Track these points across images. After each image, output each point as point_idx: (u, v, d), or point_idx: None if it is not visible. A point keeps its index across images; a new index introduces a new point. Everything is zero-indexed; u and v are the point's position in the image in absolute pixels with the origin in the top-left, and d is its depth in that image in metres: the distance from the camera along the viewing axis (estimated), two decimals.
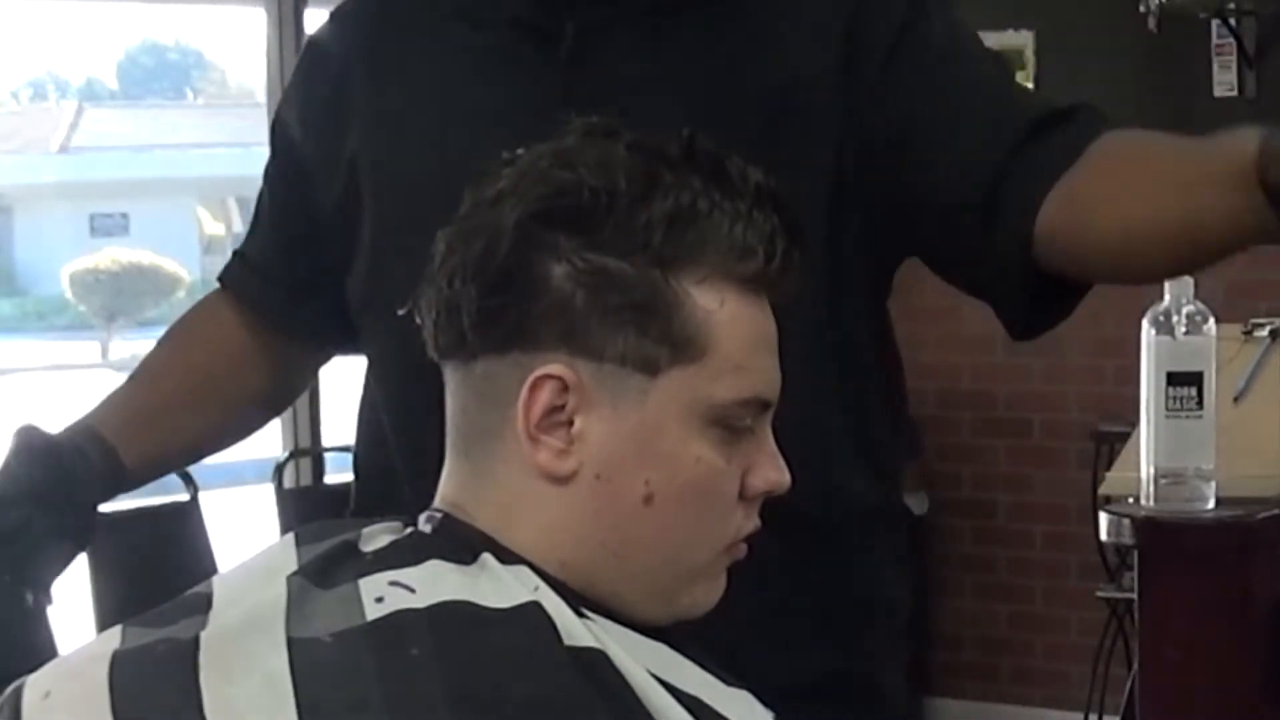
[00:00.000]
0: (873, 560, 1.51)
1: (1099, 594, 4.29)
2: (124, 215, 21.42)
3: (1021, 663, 4.96)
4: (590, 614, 1.10)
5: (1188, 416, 2.68)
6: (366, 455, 1.60)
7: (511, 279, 1.10)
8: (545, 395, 1.10)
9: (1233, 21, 4.48)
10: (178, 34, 28.76)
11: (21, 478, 1.52)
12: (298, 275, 1.61)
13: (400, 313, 1.18)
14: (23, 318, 20.01)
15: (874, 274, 1.51)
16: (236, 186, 20.32)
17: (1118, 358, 4.06)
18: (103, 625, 1.36)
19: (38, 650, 1.58)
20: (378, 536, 1.16)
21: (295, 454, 4.53)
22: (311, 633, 1.06)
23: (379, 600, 1.07)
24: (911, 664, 1.60)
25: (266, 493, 4.15)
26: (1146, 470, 2.79)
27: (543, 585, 1.09)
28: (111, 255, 17.92)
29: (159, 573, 3.36)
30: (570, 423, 1.10)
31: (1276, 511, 2.69)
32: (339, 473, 4.54)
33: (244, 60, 31.43)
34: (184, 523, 3.68)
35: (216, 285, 1.68)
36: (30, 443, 1.53)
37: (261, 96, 4.89)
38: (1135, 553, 2.99)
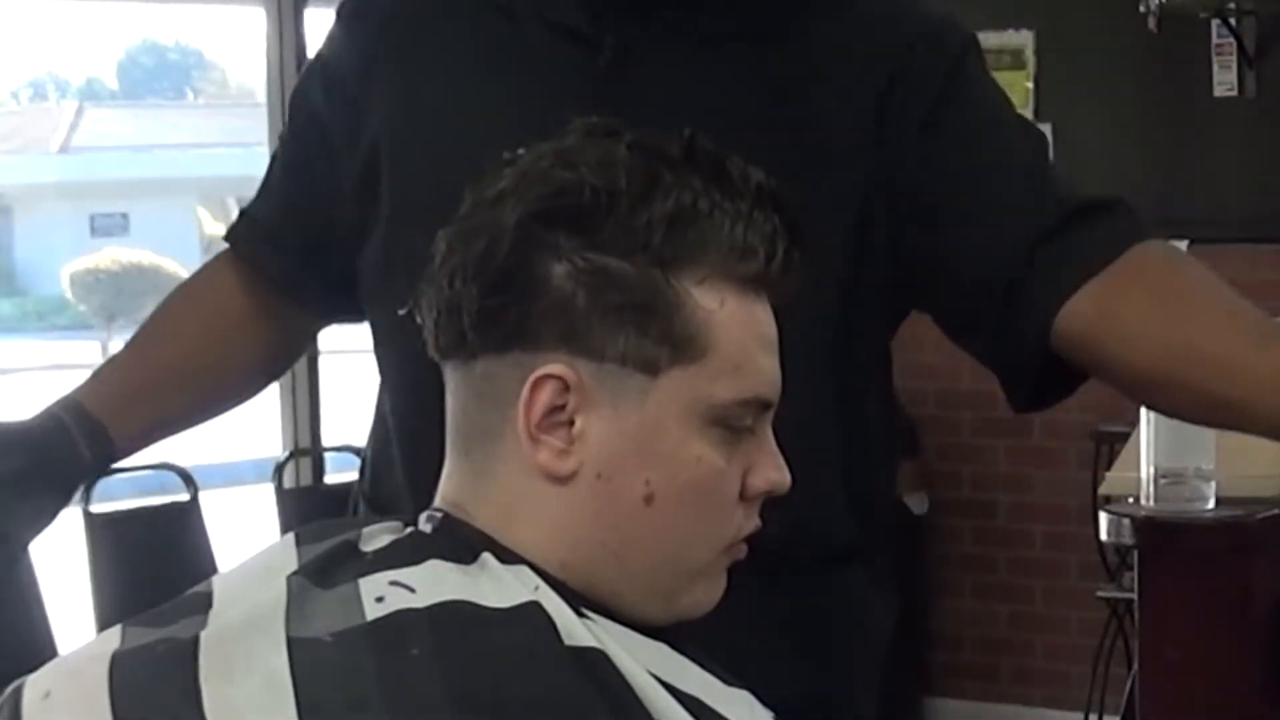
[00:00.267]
0: (854, 589, 1.51)
1: (1099, 594, 4.29)
2: (124, 215, 21.41)
3: (1021, 663, 4.96)
4: (590, 614, 1.10)
5: None
6: (377, 454, 1.59)
7: (512, 279, 1.10)
8: (546, 395, 1.10)
9: (1233, 21, 4.48)
10: (178, 34, 28.76)
11: None
12: (307, 241, 1.60)
13: (401, 312, 1.18)
14: (23, 318, 20.00)
15: (884, 326, 1.52)
16: (236, 186, 20.29)
17: None
18: (103, 625, 1.36)
19: (37, 651, 1.58)
20: (378, 536, 1.16)
21: (295, 454, 4.53)
22: (311, 632, 1.06)
23: (379, 600, 1.07)
24: (911, 664, 1.60)
25: (266, 493, 4.15)
26: (1146, 470, 2.79)
27: (543, 585, 1.09)
28: (111, 255, 17.91)
29: (159, 573, 3.36)
30: (571, 422, 1.10)
31: (1276, 511, 2.68)
32: (339, 473, 4.54)
33: (244, 60, 31.43)
34: (184, 523, 3.68)
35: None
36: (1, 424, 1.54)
37: (261, 96, 4.88)
38: (1135, 553, 2.99)
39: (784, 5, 1.47)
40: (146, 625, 1.13)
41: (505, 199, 1.12)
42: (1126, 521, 2.85)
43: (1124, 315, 1.39)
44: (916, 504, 4.79)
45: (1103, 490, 3.32)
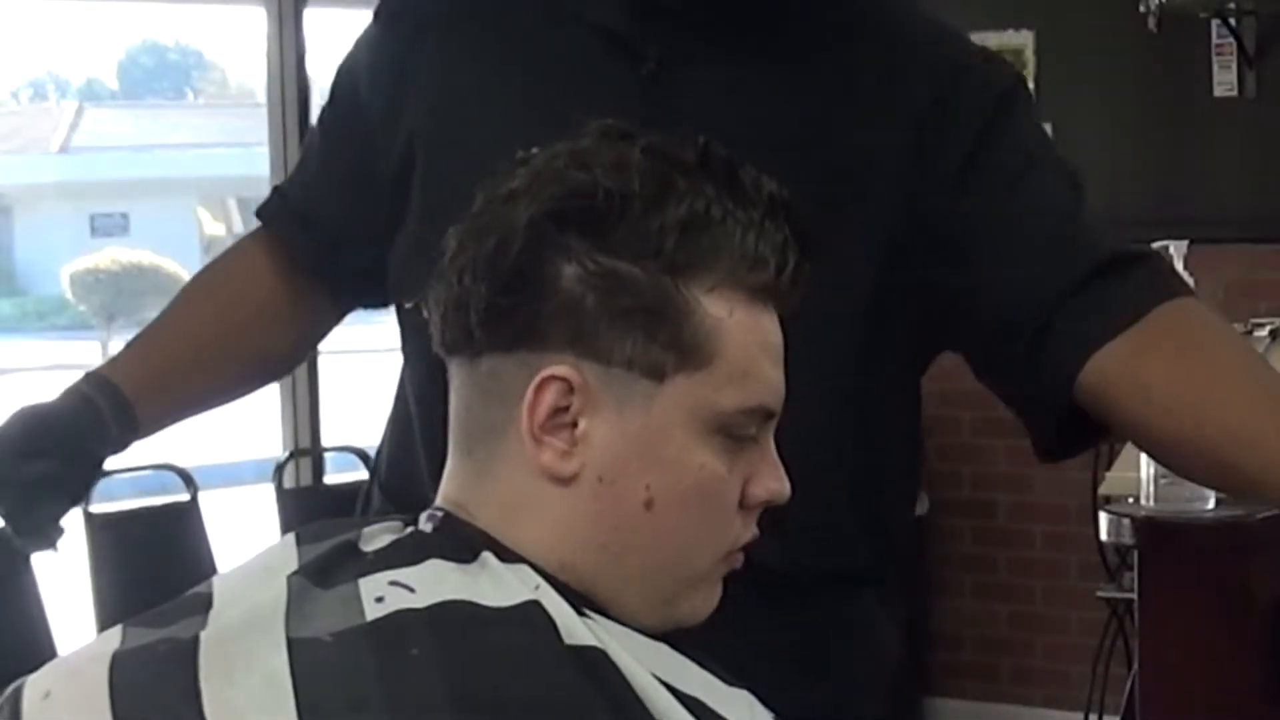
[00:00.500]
0: (864, 612, 1.51)
1: (1099, 594, 4.29)
2: (124, 215, 21.40)
3: (1021, 663, 4.96)
4: (591, 614, 1.09)
5: None
6: (395, 442, 1.58)
7: (522, 278, 1.10)
8: (551, 396, 1.10)
9: (1233, 21, 4.48)
10: (178, 34, 28.75)
11: (13, 435, 1.53)
12: (338, 225, 1.60)
13: (408, 306, 1.18)
14: (23, 318, 19.99)
15: (911, 361, 1.51)
16: (236, 186, 20.30)
17: None
18: (103, 625, 1.36)
19: (37, 650, 1.58)
20: (378, 536, 1.16)
21: (295, 454, 4.52)
22: (311, 633, 1.06)
23: (379, 600, 1.07)
24: (911, 664, 1.60)
25: (266, 493, 4.15)
26: (1146, 470, 2.79)
27: (543, 584, 1.09)
28: (111, 255, 17.90)
29: (159, 573, 3.35)
30: (574, 425, 1.10)
31: (1277, 511, 2.68)
32: (339, 473, 4.54)
33: (244, 60, 31.41)
34: (184, 523, 3.68)
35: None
36: (24, 409, 1.55)
37: (261, 96, 4.88)
38: (1135, 553, 2.98)
39: (829, 27, 1.46)
40: (147, 626, 1.13)
41: (518, 198, 1.12)
42: (1126, 521, 2.85)
43: (1144, 376, 1.37)
44: (917, 504, 4.79)
45: (1103, 490, 3.32)
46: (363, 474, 4.02)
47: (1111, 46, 4.69)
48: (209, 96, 27.25)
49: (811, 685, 1.42)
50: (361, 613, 1.07)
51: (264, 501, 4.12)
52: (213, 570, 3.18)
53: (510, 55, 1.49)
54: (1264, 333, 3.26)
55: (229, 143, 20.90)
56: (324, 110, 1.64)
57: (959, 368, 1.53)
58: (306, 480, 4.54)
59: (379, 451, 1.62)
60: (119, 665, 1.08)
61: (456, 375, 1.15)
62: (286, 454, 4.45)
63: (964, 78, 1.46)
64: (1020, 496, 4.87)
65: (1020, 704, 4.95)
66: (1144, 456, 2.80)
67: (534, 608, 1.07)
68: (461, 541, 1.12)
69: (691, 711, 1.07)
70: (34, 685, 1.10)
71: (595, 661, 1.05)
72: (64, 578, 3.48)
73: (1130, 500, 2.88)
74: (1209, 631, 2.66)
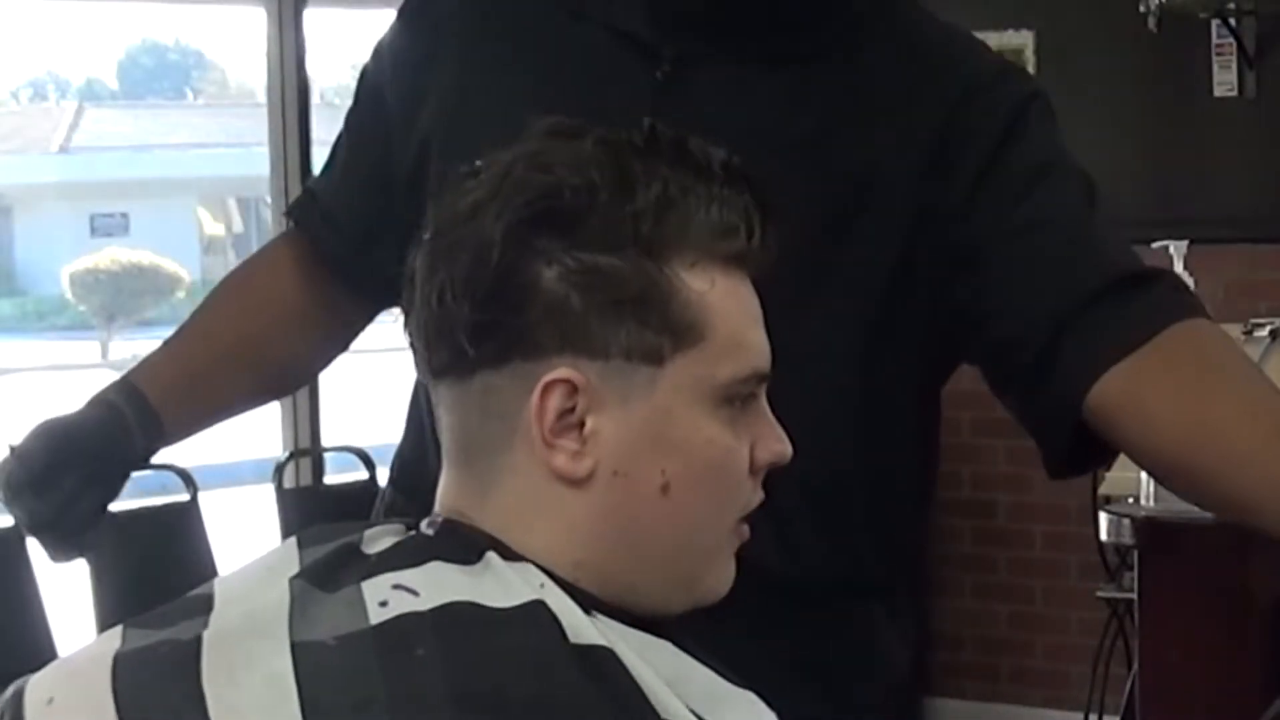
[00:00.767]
0: (873, 624, 1.50)
1: (1099, 594, 4.28)
2: (124, 215, 21.40)
3: (1021, 663, 4.96)
4: (599, 615, 1.09)
5: None
6: (405, 451, 1.59)
7: (504, 289, 1.10)
8: (555, 400, 1.10)
9: (1233, 21, 4.48)
10: (178, 34, 28.76)
11: (38, 449, 1.53)
12: (364, 223, 1.60)
13: (409, 331, 1.17)
14: (23, 318, 19.99)
15: (923, 372, 1.49)
16: (236, 186, 20.30)
17: None
18: (103, 625, 1.36)
19: (37, 650, 1.59)
20: (380, 539, 1.15)
21: (295, 454, 4.52)
22: (315, 636, 1.06)
23: (383, 604, 1.07)
24: (911, 664, 1.60)
25: (266, 493, 4.14)
26: None
27: (549, 583, 1.09)
28: (111, 255, 17.90)
29: (159, 573, 3.35)
30: (582, 424, 1.10)
31: None
32: (339, 473, 4.54)
33: (244, 60, 31.39)
34: (184, 523, 3.68)
35: (217, 279, 1.69)
36: (49, 421, 1.55)
37: (261, 96, 4.88)
38: (1135, 553, 2.98)
39: (843, 32, 1.46)
40: (147, 626, 1.12)
41: (483, 210, 1.11)
42: (1126, 521, 2.85)
43: (1148, 399, 1.37)
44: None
45: (1103, 490, 3.32)
46: (363, 474, 4.04)
47: (1111, 46, 4.69)
48: (209, 96, 27.26)
49: (813, 695, 1.42)
50: (365, 616, 1.07)
51: (264, 502, 4.12)
52: (213, 570, 3.18)
53: (525, 56, 1.49)
54: (1264, 333, 3.26)
55: (229, 143, 20.90)
56: (350, 110, 1.65)
57: (959, 368, 1.53)
58: (306, 480, 4.54)
59: (398, 450, 1.62)
60: (121, 668, 1.08)
61: (446, 397, 1.15)
62: (286, 454, 4.45)
63: (981, 92, 1.45)
64: (1020, 496, 4.87)
65: (1020, 704, 4.95)
66: None
67: (539, 607, 1.07)
68: (465, 543, 1.12)
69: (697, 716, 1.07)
70: (36, 689, 1.10)
71: (602, 661, 1.05)
72: (64, 578, 3.48)
73: (1130, 500, 2.88)
74: (1209, 631, 2.66)
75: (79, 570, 2.16)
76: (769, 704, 1.14)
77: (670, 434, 1.11)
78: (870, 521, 1.45)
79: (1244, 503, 1.35)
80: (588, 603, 1.09)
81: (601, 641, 1.06)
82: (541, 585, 1.08)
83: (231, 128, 21.40)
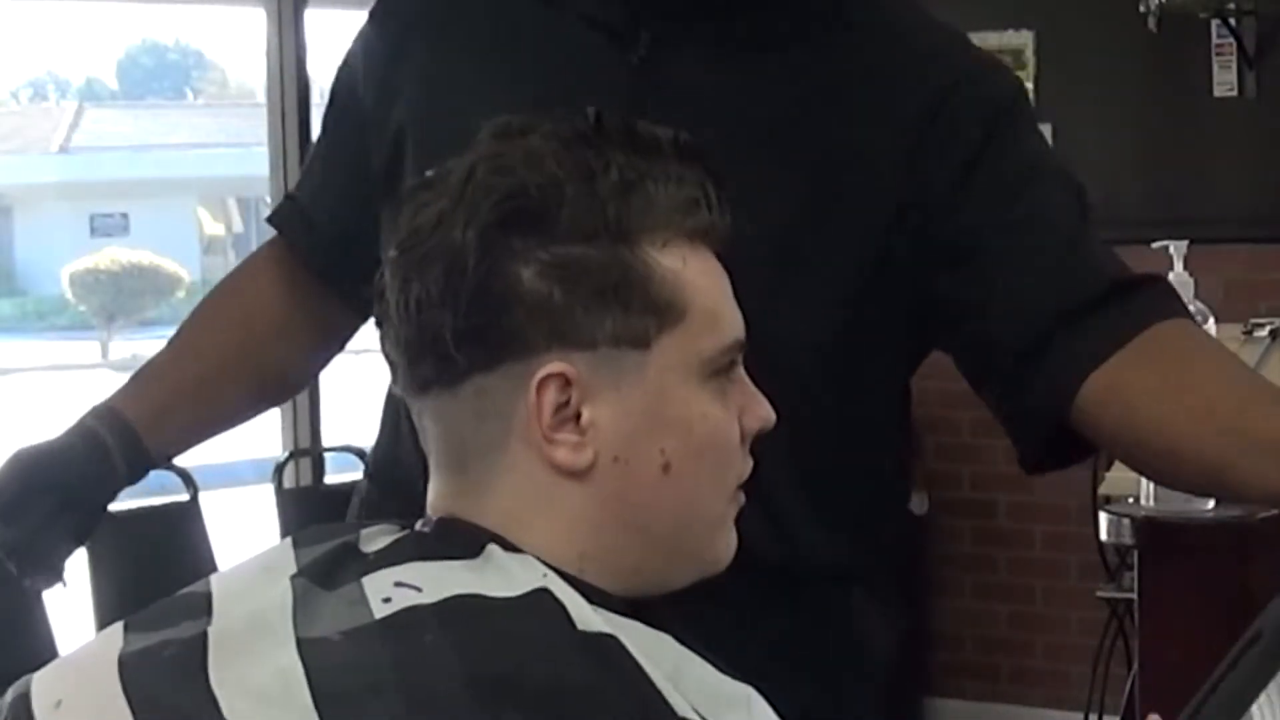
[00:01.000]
0: (854, 609, 1.50)
1: (1099, 594, 4.29)
2: (124, 215, 21.40)
3: (1021, 663, 4.96)
4: (600, 608, 1.09)
5: None
6: (382, 457, 1.58)
7: (488, 293, 1.10)
8: (550, 395, 1.10)
9: (1233, 21, 4.48)
10: (178, 34, 28.76)
11: (14, 476, 1.53)
12: (344, 226, 1.60)
13: (386, 349, 1.17)
14: (23, 318, 19.99)
15: (897, 360, 1.50)
16: (236, 186, 20.29)
17: None
18: (103, 625, 1.36)
19: (37, 650, 1.58)
20: (377, 538, 1.15)
21: (295, 454, 4.52)
22: (320, 633, 1.06)
23: (386, 600, 1.07)
24: (911, 664, 1.60)
25: (266, 493, 4.15)
26: None
27: (550, 573, 1.09)
28: (111, 255, 17.90)
29: (159, 573, 3.35)
30: (578, 415, 1.11)
31: (1277, 511, 2.68)
32: (339, 473, 4.54)
33: (244, 60, 31.40)
34: (184, 523, 3.68)
35: (217, 279, 1.68)
36: (26, 449, 1.54)
37: (261, 96, 4.88)
38: (1135, 553, 2.98)
39: (820, 18, 1.45)
40: (148, 625, 1.12)
41: (449, 219, 1.12)
42: (1126, 521, 2.85)
43: (1130, 391, 1.38)
44: (916, 504, 4.79)
45: (1103, 490, 3.32)
46: (363, 474, 4.04)
47: (1111, 46, 4.69)
48: (209, 96, 27.26)
49: (798, 680, 1.42)
50: (370, 612, 1.07)
51: (264, 501, 4.12)
52: (213, 570, 3.17)
53: (499, 47, 1.48)
54: (1264, 333, 3.27)
55: (229, 143, 20.91)
56: (325, 112, 1.64)
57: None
58: (306, 480, 4.54)
59: (375, 444, 1.62)
60: (128, 668, 1.08)
61: (432, 408, 1.15)
62: (286, 454, 4.45)
63: (963, 86, 1.44)
64: (1020, 496, 4.87)
65: (1020, 704, 4.95)
66: None
67: (544, 595, 1.07)
68: (464, 539, 1.12)
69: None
70: (42, 692, 1.10)
71: (609, 648, 1.05)
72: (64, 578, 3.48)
73: (1130, 500, 2.88)
74: (1209, 631, 2.65)
75: (79, 570, 2.15)
76: (766, 697, 1.14)
77: (665, 413, 1.13)
78: (851, 507, 1.46)
79: (1225, 475, 1.35)
80: (592, 595, 1.09)
81: (608, 629, 1.06)
82: (544, 575, 1.09)
83: (231, 128, 21.41)
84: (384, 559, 1.11)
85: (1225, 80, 4.54)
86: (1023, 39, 4.77)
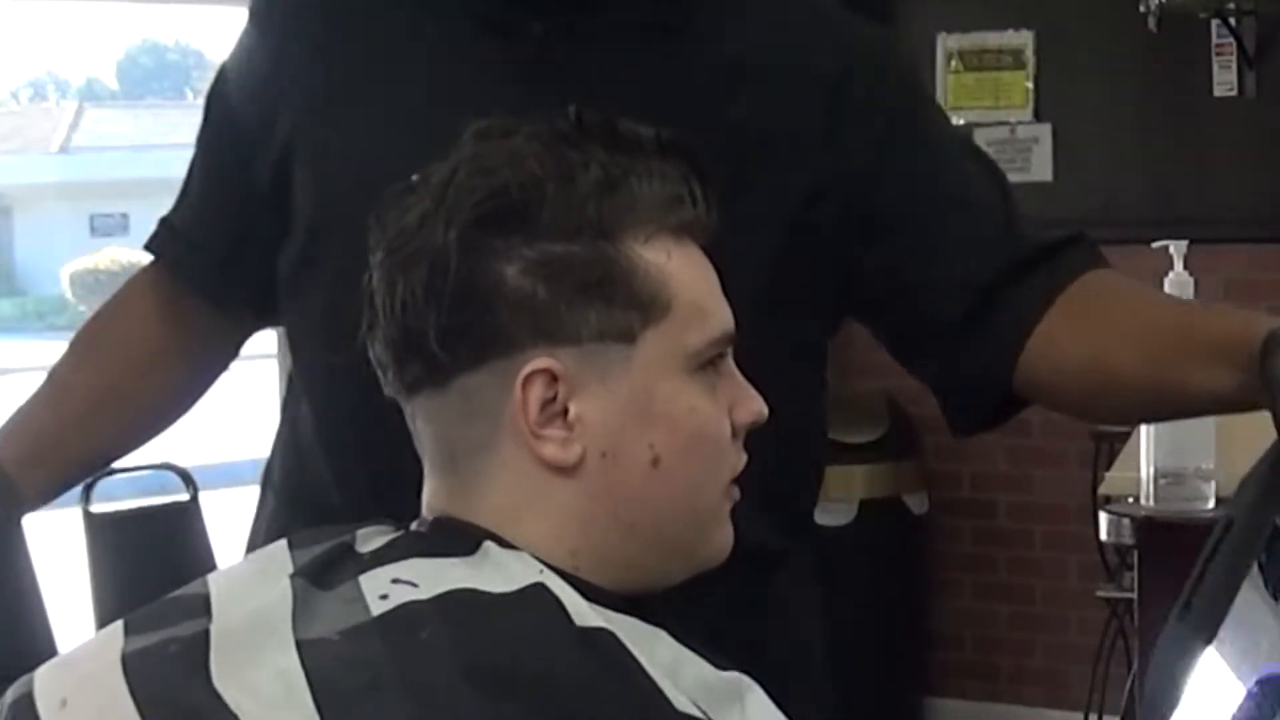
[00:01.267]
0: (771, 593, 1.48)
1: (1099, 594, 4.29)
2: (124, 215, 21.41)
3: (1021, 663, 4.96)
4: (595, 604, 1.10)
5: None
6: (285, 459, 1.56)
7: (469, 293, 1.11)
8: (537, 391, 1.11)
9: (1233, 21, 4.47)
10: (178, 34, 28.83)
11: None
12: (227, 242, 1.57)
13: (375, 351, 1.17)
14: (23, 318, 20.00)
15: (816, 333, 1.51)
16: None
17: None
18: (102, 625, 1.36)
19: (38, 649, 1.58)
20: (372, 538, 1.16)
21: None
22: (318, 633, 1.07)
23: (383, 597, 1.08)
24: (911, 664, 1.60)
25: None
26: (1146, 470, 2.79)
27: (547, 569, 1.10)
28: (111, 255, 17.92)
29: (159, 573, 3.33)
30: (565, 411, 1.12)
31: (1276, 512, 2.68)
32: None
33: None
34: (184, 523, 3.66)
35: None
36: None
37: None
38: (1135, 553, 2.98)
39: (712, 3, 1.46)
40: (148, 624, 1.13)
41: (432, 219, 1.12)
42: (1126, 521, 2.85)
43: (1061, 340, 1.41)
44: (916, 504, 4.79)
45: (1103, 490, 3.32)
46: None
47: (1111, 46, 4.69)
48: None
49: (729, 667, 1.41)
50: (366, 610, 1.07)
51: None
52: (213, 570, 3.16)
53: (388, 54, 1.46)
54: None
55: None
56: (200, 130, 1.60)
57: None
58: None
59: (270, 460, 1.59)
60: (133, 668, 1.08)
61: (424, 408, 1.15)
62: None
63: (868, 60, 1.46)
64: (1020, 496, 4.87)
65: (1020, 704, 4.95)
66: (1144, 456, 2.80)
67: (541, 589, 1.08)
68: (459, 537, 1.12)
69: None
70: (46, 692, 1.10)
71: (607, 644, 1.06)
72: (64, 578, 3.48)
73: (1130, 500, 2.88)
74: None
75: (79, 570, 2.15)
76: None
77: (652, 407, 1.13)
78: (778, 486, 1.44)
79: (1169, 391, 1.37)
80: (587, 591, 1.10)
81: (604, 624, 1.07)
82: (541, 571, 1.09)
83: None
84: (380, 558, 1.12)
85: (1225, 80, 4.54)
86: (1023, 39, 4.77)
